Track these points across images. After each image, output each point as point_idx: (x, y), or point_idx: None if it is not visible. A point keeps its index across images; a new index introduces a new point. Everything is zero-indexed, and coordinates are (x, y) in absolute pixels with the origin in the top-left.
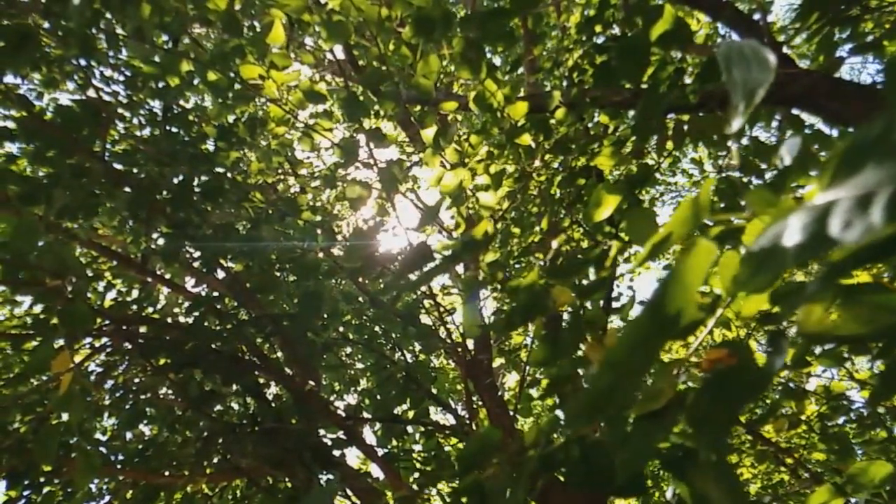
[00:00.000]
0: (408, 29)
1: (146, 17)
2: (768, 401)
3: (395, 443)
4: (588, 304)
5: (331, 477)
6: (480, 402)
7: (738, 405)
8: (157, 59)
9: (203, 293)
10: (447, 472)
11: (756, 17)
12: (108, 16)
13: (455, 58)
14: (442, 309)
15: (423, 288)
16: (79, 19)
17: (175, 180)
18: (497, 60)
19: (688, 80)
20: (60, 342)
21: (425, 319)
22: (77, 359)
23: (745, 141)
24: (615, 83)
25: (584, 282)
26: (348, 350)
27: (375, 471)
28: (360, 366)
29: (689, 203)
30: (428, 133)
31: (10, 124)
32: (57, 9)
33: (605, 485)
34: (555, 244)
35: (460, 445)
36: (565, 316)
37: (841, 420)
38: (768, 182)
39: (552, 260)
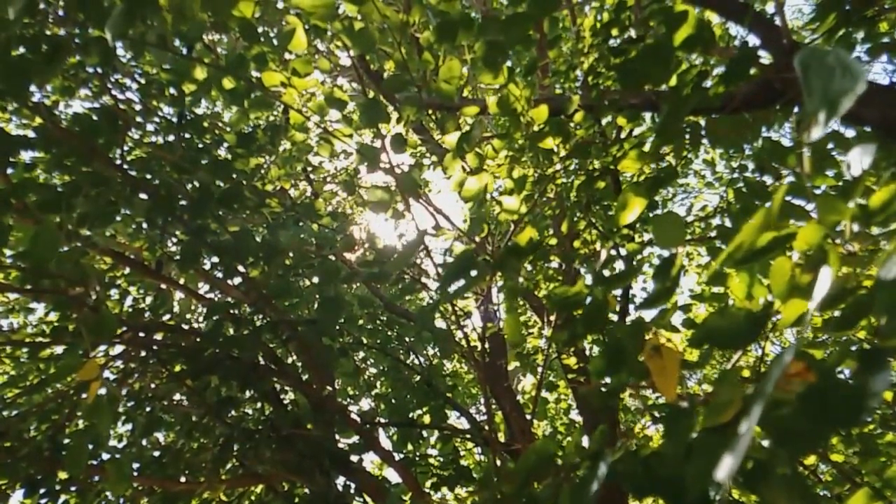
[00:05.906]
0: (427, 34)
1: (169, 24)
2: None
3: (411, 447)
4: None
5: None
6: (497, 406)
7: (833, 427)
8: (169, 66)
9: (217, 298)
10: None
11: (776, 20)
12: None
13: (476, 62)
14: (458, 312)
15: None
16: (118, 30)
17: (193, 187)
18: (509, 64)
19: (708, 83)
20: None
21: (440, 323)
22: None
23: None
24: (640, 86)
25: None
26: (361, 354)
27: (392, 475)
28: (373, 370)
29: (763, 211)
30: (451, 138)
31: (28, 133)
32: (84, 17)
33: (673, 498)
34: (604, 253)
35: (475, 450)
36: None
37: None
38: (837, 191)
39: (602, 268)
